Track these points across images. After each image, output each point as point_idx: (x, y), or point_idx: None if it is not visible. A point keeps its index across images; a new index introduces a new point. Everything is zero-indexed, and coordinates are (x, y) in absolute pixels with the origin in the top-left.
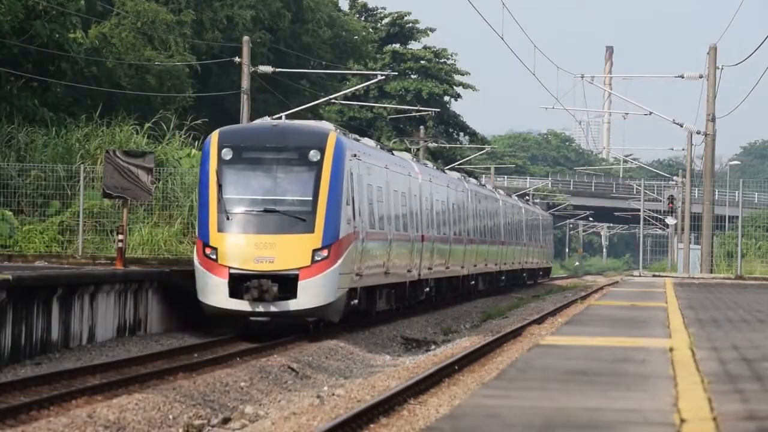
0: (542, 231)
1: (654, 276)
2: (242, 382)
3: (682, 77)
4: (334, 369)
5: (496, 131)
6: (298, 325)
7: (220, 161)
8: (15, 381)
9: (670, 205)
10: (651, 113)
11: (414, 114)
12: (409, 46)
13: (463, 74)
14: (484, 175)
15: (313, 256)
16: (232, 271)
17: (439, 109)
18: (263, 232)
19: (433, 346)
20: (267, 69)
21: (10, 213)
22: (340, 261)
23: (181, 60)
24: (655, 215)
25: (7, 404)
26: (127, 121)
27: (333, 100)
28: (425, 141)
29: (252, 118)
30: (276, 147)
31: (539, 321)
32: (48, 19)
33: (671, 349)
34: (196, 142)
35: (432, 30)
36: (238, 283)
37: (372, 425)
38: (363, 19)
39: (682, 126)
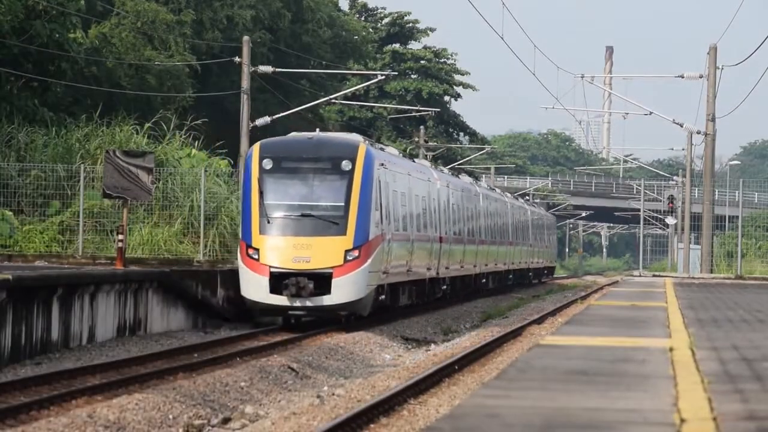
0: (546, 231)
1: (654, 276)
2: (242, 382)
3: (682, 77)
4: (334, 369)
5: (496, 131)
6: (331, 318)
7: (261, 170)
8: (15, 381)
9: (670, 205)
10: (651, 113)
11: (414, 114)
12: (409, 46)
13: (463, 74)
14: (484, 175)
15: (345, 256)
16: (272, 269)
17: (439, 109)
18: (300, 234)
19: (432, 346)
20: (267, 69)
21: (10, 213)
22: (369, 260)
23: (181, 60)
24: (655, 215)
25: (7, 404)
26: (127, 121)
27: (333, 100)
28: (425, 141)
29: (252, 118)
30: (312, 158)
31: (539, 321)
32: (48, 19)
33: (671, 349)
34: (196, 142)
35: (432, 30)
36: (278, 281)
37: (372, 425)
38: (363, 19)
39: (682, 126)
